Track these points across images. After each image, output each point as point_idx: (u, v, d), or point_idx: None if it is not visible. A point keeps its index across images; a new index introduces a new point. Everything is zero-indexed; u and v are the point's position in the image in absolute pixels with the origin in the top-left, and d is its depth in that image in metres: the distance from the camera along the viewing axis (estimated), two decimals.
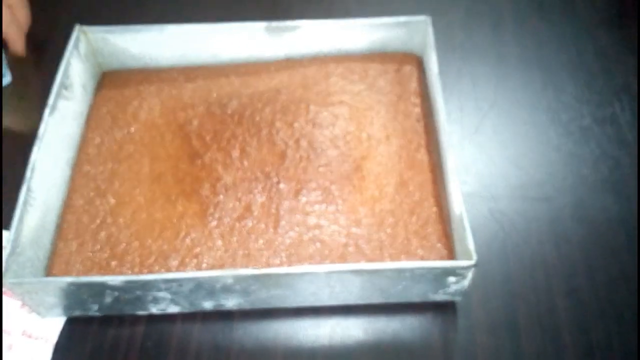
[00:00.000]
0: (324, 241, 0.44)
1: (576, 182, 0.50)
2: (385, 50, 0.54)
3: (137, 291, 0.40)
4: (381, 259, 0.43)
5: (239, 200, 0.46)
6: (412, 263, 0.41)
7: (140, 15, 0.61)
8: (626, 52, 0.58)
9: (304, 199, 0.46)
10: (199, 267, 0.43)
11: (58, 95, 0.47)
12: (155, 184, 0.47)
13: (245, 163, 0.48)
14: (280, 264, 0.43)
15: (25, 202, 0.42)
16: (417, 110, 0.51)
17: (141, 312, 0.43)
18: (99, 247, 0.44)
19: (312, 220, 0.45)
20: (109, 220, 0.45)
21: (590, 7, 0.62)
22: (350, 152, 0.48)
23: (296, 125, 0.50)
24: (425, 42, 0.52)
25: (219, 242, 0.44)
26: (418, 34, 0.53)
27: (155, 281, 0.39)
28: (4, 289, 0.42)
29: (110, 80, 0.53)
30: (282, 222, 0.45)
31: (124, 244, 0.44)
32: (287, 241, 0.44)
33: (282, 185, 0.47)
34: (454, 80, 0.56)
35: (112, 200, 0.46)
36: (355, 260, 0.43)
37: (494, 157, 0.51)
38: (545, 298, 0.44)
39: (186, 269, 0.43)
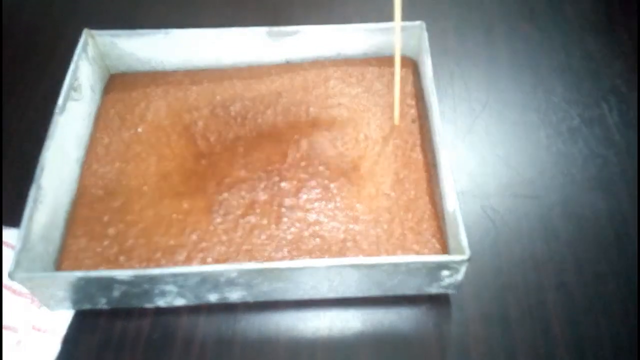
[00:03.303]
0: (324, 237, 0.45)
1: (565, 181, 0.50)
2: (382, 54, 0.55)
3: (145, 285, 0.41)
4: (378, 253, 0.44)
5: (243, 197, 0.46)
6: (408, 257, 0.42)
7: (146, 19, 0.61)
8: (613, 55, 0.58)
9: (304, 197, 0.47)
10: (204, 262, 0.43)
11: (67, 97, 0.47)
12: (162, 182, 0.47)
13: (248, 163, 0.48)
14: (282, 259, 0.43)
15: (36, 200, 0.42)
16: (412, 111, 0.52)
17: (148, 305, 0.43)
18: (107, 242, 0.44)
19: (312, 216, 0.45)
20: (117, 217, 0.45)
21: (579, 12, 0.62)
22: (348, 152, 0.49)
23: (297, 126, 0.51)
24: (420, 47, 0.53)
25: (224, 238, 0.44)
26: (413, 39, 0.53)
27: (163, 275, 0.40)
28: (13, 287, 0.43)
29: (118, 83, 0.54)
30: (284, 219, 0.45)
31: (132, 240, 0.44)
32: (289, 237, 0.45)
33: (283, 184, 0.47)
34: (448, 82, 0.57)
35: (120, 198, 0.46)
36: (354, 255, 0.44)
37: (486, 156, 0.52)
38: (535, 291, 0.44)
39: (192, 263, 0.43)
